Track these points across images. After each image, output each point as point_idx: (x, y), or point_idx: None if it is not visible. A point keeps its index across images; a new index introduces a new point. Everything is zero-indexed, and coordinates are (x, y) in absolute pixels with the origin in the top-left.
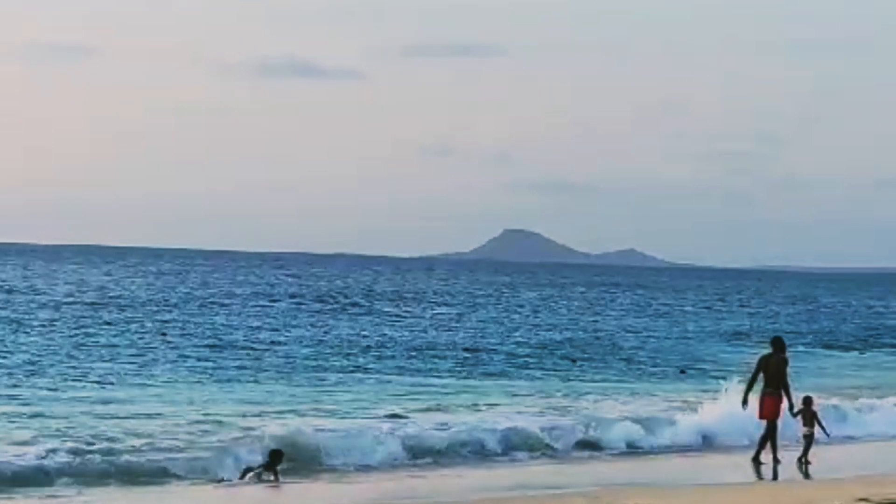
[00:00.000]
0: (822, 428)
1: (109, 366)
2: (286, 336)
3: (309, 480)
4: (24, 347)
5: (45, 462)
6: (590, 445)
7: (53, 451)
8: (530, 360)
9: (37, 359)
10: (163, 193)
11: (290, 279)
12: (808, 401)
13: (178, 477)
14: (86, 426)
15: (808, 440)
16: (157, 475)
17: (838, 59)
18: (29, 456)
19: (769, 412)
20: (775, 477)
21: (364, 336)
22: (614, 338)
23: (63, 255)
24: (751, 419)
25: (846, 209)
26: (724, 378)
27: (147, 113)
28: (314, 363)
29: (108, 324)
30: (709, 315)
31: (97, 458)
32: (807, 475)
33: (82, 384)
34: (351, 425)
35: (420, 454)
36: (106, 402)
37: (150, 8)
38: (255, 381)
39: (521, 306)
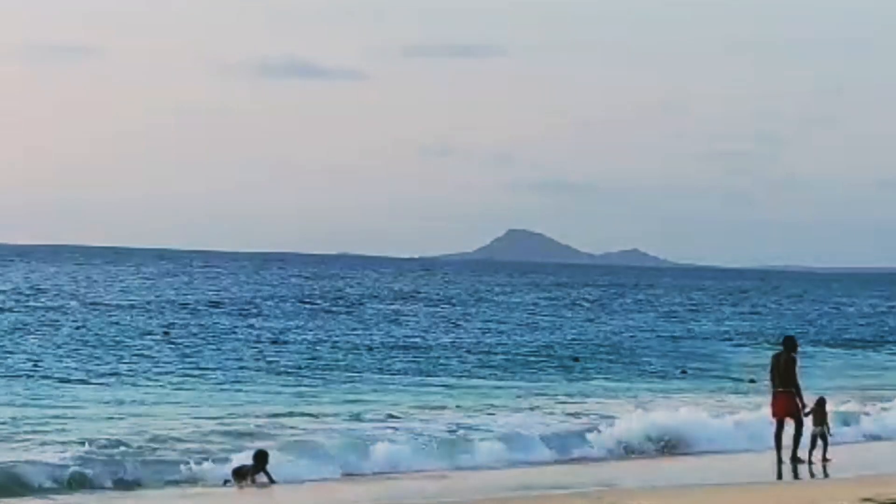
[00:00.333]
0: (827, 428)
1: (139, 366)
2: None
3: (310, 480)
4: (62, 350)
5: (79, 467)
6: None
7: (85, 453)
8: (537, 361)
9: (80, 360)
10: (163, 193)
11: (309, 281)
12: (821, 401)
13: (193, 482)
14: (111, 430)
15: (823, 440)
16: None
17: (838, 59)
18: (66, 457)
19: (780, 410)
20: (779, 476)
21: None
22: (623, 338)
23: (62, 256)
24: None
25: (846, 209)
26: (728, 378)
27: (147, 113)
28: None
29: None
30: (726, 315)
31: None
32: (825, 474)
33: (112, 385)
34: (356, 426)
35: (425, 455)
36: (127, 403)
37: (150, 8)
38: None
39: (535, 304)
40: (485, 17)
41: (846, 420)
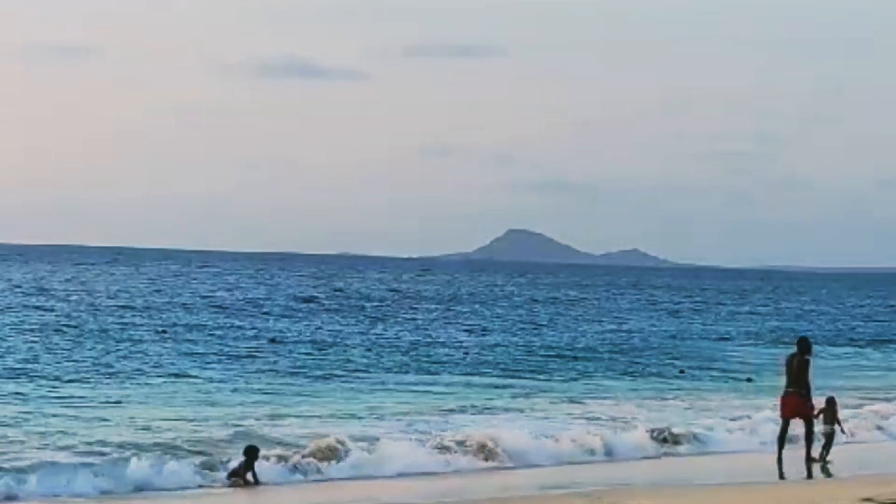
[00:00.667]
0: (841, 428)
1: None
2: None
3: (309, 480)
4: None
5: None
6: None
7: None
8: (536, 361)
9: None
10: (163, 193)
11: (322, 281)
12: (831, 401)
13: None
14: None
15: (829, 438)
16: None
17: (838, 59)
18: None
19: (790, 411)
20: (781, 476)
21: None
22: (622, 338)
23: (62, 256)
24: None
25: (846, 209)
26: (726, 378)
27: (147, 113)
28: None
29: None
30: (726, 315)
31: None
32: (828, 473)
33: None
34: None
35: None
36: (127, 403)
37: (150, 8)
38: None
39: (536, 301)
40: (485, 17)
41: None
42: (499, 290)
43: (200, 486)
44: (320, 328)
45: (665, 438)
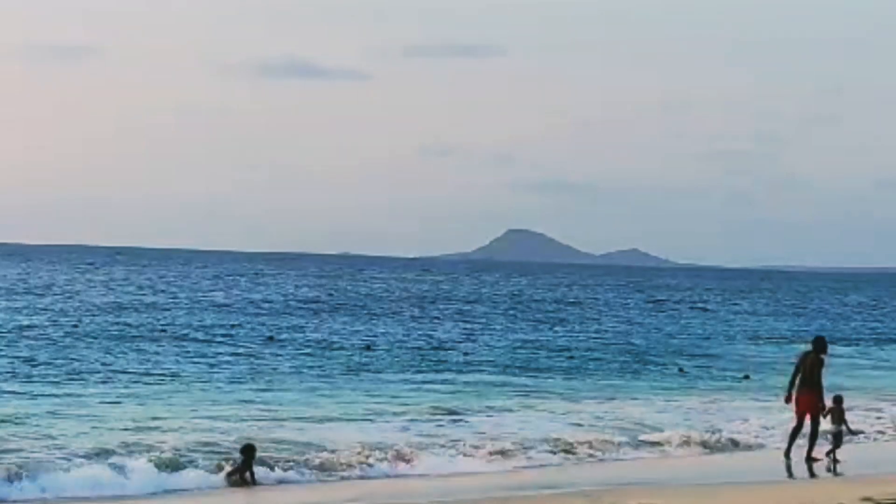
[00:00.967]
0: (848, 427)
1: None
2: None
3: (308, 480)
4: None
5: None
6: None
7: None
8: (534, 360)
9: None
10: (163, 193)
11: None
12: (838, 399)
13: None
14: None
15: (837, 438)
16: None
17: (838, 59)
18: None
19: (804, 407)
20: (790, 474)
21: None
22: (622, 337)
23: (62, 256)
24: None
25: (846, 209)
26: (724, 376)
27: (147, 113)
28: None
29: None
30: (726, 314)
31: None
32: (835, 472)
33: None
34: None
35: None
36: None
37: (150, 8)
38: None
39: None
40: (485, 17)
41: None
42: (501, 290)
43: (200, 487)
44: (319, 327)
45: (663, 441)
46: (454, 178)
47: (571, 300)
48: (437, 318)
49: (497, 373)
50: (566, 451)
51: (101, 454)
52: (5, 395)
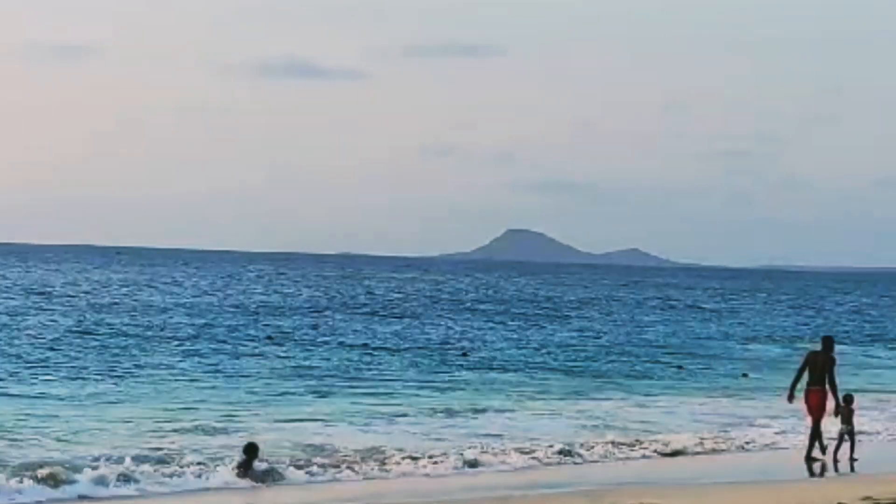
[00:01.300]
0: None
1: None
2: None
3: (307, 480)
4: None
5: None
6: None
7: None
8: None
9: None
10: (163, 193)
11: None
12: (848, 399)
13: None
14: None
15: (850, 437)
16: None
17: (838, 59)
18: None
19: (815, 407)
20: (821, 473)
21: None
22: (621, 336)
23: (61, 255)
24: None
25: (846, 209)
26: (722, 375)
27: (147, 113)
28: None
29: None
30: (727, 314)
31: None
32: (852, 469)
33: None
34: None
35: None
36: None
37: (150, 8)
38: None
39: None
40: (485, 17)
41: None
42: (501, 289)
43: (199, 487)
44: (320, 327)
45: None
46: (454, 178)
47: (572, 300)
48: (438, 317)
49: (498, 372)
50: (567, 451)
51: (102, 454)
52: (6, 396)
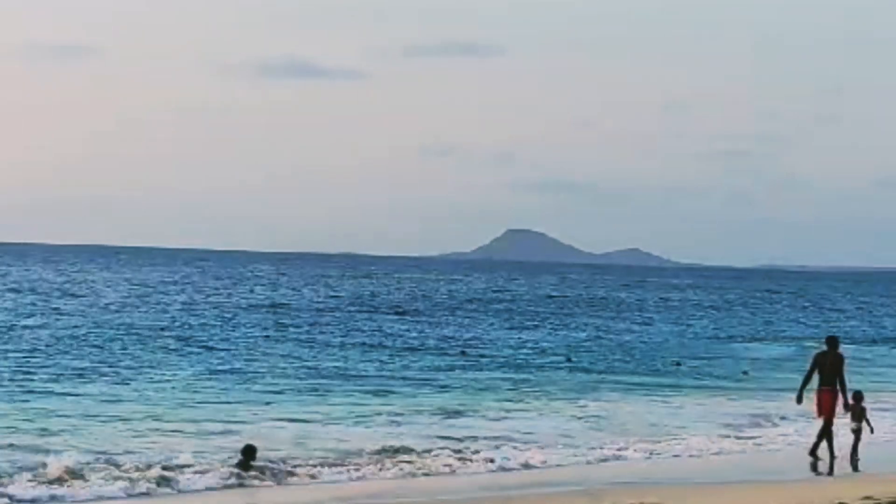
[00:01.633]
0: (868, 424)
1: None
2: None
3: (306, 480)
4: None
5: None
6: None
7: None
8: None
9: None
10: (163, 193)
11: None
12: (858, 397)
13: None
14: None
15: (856, 435)
16: None
17: (838, 59)
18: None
19: (826, 407)
20: (831, 471)
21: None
22: (621, 336)
23: (60, 255)
24: None
25: (846, 209)
26: (721, 373)
27: (147, 113)
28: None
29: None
30: (728, 313)
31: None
32: (855, 468)
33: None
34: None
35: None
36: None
37: (150, 8)
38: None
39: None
40: (485, 17)
41: None
42: (502, 289)
43: (200, 487)
44: (320, 327)
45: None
46: (454, 178)
47: (572, 300)
48: (438, 317)
49: (499, 371)
50: (567, 451)
51: (101, 454)
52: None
